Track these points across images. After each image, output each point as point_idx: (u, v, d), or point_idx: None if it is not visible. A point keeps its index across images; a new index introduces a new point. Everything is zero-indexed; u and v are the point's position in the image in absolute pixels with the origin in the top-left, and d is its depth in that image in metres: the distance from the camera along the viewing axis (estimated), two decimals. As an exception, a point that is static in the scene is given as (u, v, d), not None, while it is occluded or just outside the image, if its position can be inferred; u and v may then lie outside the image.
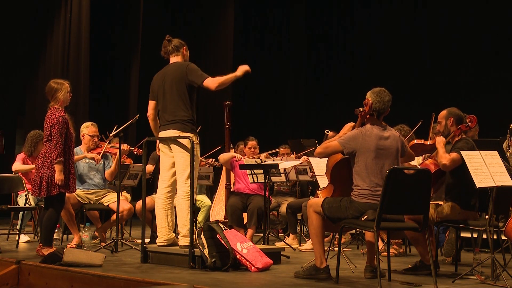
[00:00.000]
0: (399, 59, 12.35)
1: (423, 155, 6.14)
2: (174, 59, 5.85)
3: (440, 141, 5.37)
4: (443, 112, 5.50)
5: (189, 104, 5.66)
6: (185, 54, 5.87)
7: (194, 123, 5.70)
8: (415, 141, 5.79)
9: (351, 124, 5.14)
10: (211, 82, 5.55)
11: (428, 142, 5.64)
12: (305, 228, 7.81)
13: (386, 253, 5.18)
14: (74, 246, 6.38)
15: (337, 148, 4.89)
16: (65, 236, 7.46)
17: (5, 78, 11.46)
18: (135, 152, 7.45)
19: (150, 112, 5.87)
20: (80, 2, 10.75)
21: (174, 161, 5.69)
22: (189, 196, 5.58)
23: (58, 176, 5.78)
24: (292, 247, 7.09)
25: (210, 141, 11.55)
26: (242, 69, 5.59)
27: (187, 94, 5.65)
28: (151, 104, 5.86)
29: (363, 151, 4.82)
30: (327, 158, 5.30)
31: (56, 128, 5.80)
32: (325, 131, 7.69)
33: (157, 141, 5.92)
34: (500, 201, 5.08)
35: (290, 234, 7.58)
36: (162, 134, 5.73)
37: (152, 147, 7.22)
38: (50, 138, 5.81)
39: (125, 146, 7.17)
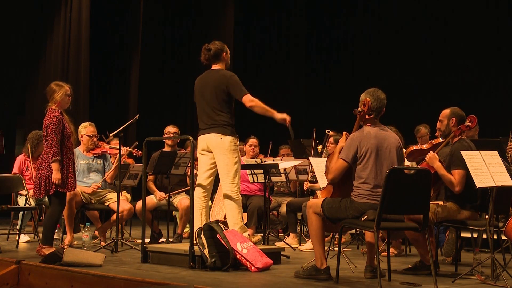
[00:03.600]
0: (399, 59, 12.34)
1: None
2: (216, 66, 5.98)
3: (433, 160, 5.31)
4: (446, 111, 5.49)
5: (228, 110, 5.84)
6: (226, 59, 6.01)
7: (233, 127, 5.87)
8: (413, 147, 5.80)
9: (344, 136, 5.11)
10: (248, 100, 5.76)
11: (425, 147, 5.64)
12: (305, 228, 7.81)
13: (386, 253, 5.18)
14: (66, 246, 6.39)
15: (343, 164, 4.87)
16: (65, 236, 7.44)
17: (5, 78, 11.46)
18: (134, 154, 7.45)
19: None
20: (80, 2, 10.75)
21: (216, 162, 5.84)
22: (237, 195, 5.81)
23: (55, 175, 5.80)
24: (292, 247, 7.08)
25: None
26: (283, 117, 5.85)
27: (227, 101, 5.83)
28: None
29: (363, 152, 4.83)
30: (326, 158, 5.31)
31: (51, 128, 5.84)
32: (326, 131, 7.69)
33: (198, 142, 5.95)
34: (500, 201, 5.08)
35: (290, 234, 7.58)
36: (203, 137, 5.86)
37: (152, 148, 7.23)
38: (46, 138, 5.85)
39: (124, 150, 7.19)
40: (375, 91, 5.02)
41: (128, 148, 7.37)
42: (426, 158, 5.40)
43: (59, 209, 5.97)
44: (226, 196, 5.83)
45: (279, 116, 5.84)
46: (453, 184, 5.20)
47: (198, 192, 5.91)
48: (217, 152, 5.80)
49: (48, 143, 5.85)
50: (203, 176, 5.96)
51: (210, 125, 5.81)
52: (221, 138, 5.75)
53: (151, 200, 7.32)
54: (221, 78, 5.83)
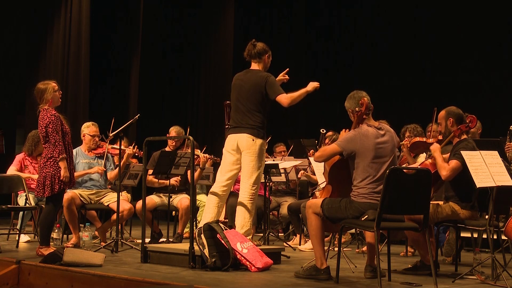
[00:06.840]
0: (399, 59, 12.34)
1: (426, 154, 6.12)
2: (255, 65, 6.00)
3: (436, 149, 5.33)
4: (442, 113, 5.48)
5: (263, 111, 5.87)
6: (266, 62, 6.03)
7: (265, 129, 5.90)
8: (417, 139, 5.76)
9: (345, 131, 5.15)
10: (284, 99, 5.80)
11: (430, 140, 5.61)
12: (305, 228, 7.81)
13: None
14: (71, 245, 6.39)
15: (335, 150, 4.90)
16: (65, 236, 7.45)
17: (5, 77, 11.46)
18: (136, 154, 7.45)
19: None
20: (80, 2, 10.75)
21: (242, 163, 5.82)
22: (253, 198, 5.78)
23: (64, 173, 5.81)
24: (300, 249, 7.07)
25: (210, 140, 11.56)
26: (313, 85, 5.91)
27: (262, 102, 5.86)
28: None
29: (362, 151, 4.83)
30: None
31: (51, 127, 5.83)
32: (321, 130, 7.66)
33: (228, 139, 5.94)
34: (500, 201, 5.08)
35: (297, 235, 7.54)
36: (234, 136, 5.84)
37: (152, 148, 7.23)
38: (47, 138, 5.84)
39: (129, 150, 7.19)
40: (357, 92, 5.11)
41: (131, 148, 7.36)
42: (431, 146, 5.40)
43: (54, 209, 5.97)
44: (242, 199, 5.80)
45: (311, 89, 5.93)
46: (444, 169, 5.16)
47: (218, 191, 5.87)
48: (246, 153, 5.79)
49: (51, 142, 5.83)
50: (222, 179, 5.89)
51: (243, 124, 5.81)
52: (253, 140, 5.76)
53: (151, 200, 7.32)
54: (260, 79, 5.84)
